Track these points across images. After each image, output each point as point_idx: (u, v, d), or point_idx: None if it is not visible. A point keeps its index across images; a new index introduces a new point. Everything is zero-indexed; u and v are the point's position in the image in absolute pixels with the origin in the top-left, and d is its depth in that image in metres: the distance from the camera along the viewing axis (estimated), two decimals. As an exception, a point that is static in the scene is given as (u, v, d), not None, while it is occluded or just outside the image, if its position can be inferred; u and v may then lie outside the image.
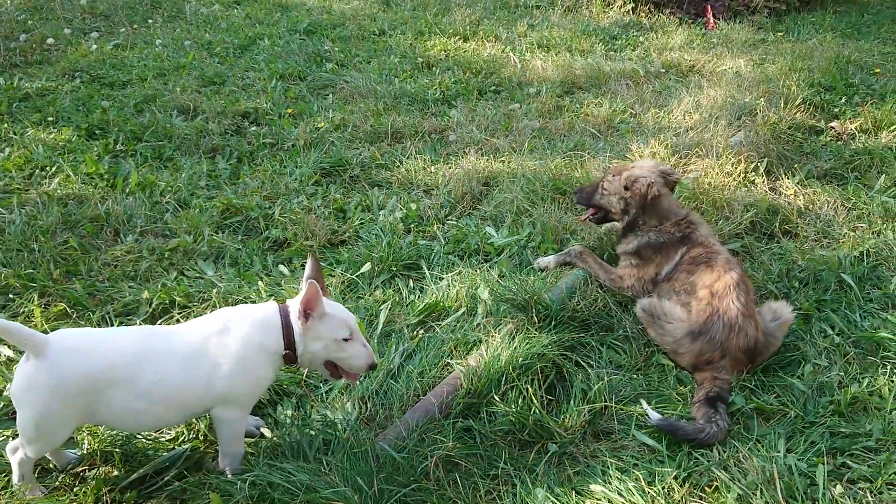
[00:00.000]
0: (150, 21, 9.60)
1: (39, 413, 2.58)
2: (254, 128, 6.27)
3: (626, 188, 4.07)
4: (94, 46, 8.24)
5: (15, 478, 2.79)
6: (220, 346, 2.71)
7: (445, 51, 8.57)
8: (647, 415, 3.18)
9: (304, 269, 4.11)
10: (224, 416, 2.79)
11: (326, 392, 3.37)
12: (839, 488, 2.80)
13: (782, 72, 7.34)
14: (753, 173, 5.24)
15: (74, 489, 2.85)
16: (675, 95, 6.95)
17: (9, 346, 3.52)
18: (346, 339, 2.83)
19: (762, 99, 6.37)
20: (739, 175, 5.18)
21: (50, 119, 6.20)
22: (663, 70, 7.91)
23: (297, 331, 2.78)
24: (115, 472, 2.91)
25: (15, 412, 2.90)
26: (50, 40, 8.34)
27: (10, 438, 2.97)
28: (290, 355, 2.81)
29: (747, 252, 4.46)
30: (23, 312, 3.82)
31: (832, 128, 6.17)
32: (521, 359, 3.34)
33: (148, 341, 2.72)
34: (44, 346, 2.54)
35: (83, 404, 2.59)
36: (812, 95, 6.61)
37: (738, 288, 3.57)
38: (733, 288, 3.56)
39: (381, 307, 3.87)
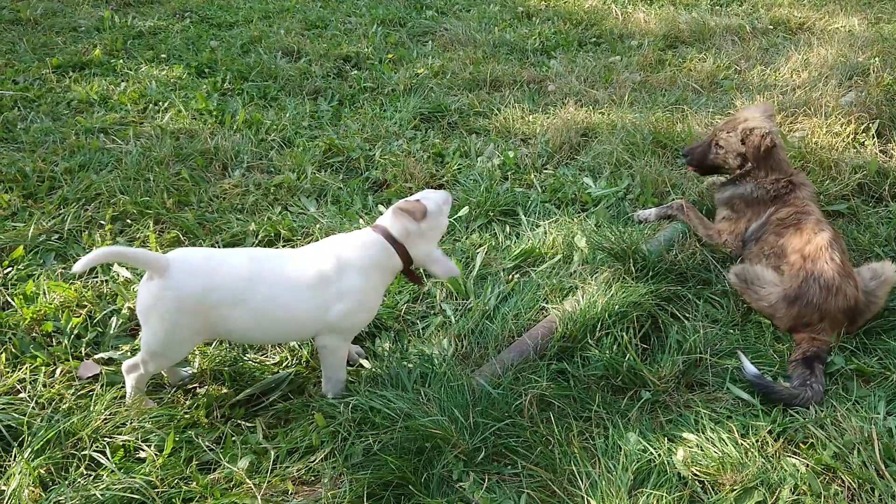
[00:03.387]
0: (254, -36, 9.74)
1: (165, 328, 2.73)
2: (355, 71, 6.37)
3: (741, 142, 3.98)
4: (203, -13, 8.44)
5: (129, 393, 2.97)
6: (341, 278, 2.84)
7: (545, 1, 8.47)
8: (743, 368, 3.17)
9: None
10: (330, 344, 2.92)
11: (423, 329, 3.47)
12: (940, 453, 2.76)
13: (900, 31, 7.01)
14: (864, 134, 5.06)
15: (187, 403, 3.03)
16: (783, 53, 6.72)
17: (128, 268, 3.72)
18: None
19: (876, 59, 6.10)
20: (848, 136, 5.02)
21: (162, 56, 6.44)
22: (771, 26, 7.64)
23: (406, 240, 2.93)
24: (224, 391, 3.08)
25: (134, 328, 3.11)
26: (161, -20, 8.58)
27: (128, 355, 3.18)
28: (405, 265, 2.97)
29: (853, 214, 4.33)
30: (139, 238, 4.03)
31: (951, 91, 5.88)
32: (616, 307, 3.36)
33: (264, 264, 2.83)
34: (166, 266, 2.69)
35: (203, 318, 2.74)
36: (930, 57, 6.30)
37: (830, 248, 3.48)
38: (825, 248, 3.48)
39: (478, 250, 3.94)
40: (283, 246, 3.97)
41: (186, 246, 3.95)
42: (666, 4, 8.43)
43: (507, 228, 4.21)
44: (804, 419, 2.92)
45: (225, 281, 2.75)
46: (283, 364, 3.26)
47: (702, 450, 2.79)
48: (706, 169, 4.21)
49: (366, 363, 3.25)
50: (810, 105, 5.40)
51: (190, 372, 3.18)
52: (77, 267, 2.59)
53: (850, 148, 4.93)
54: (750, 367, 3.16)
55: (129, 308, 3.47)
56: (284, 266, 2.85)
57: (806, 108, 5.38)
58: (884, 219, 4.27)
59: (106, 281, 3.68)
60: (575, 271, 3.75)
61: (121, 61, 6.35)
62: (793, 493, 2.62)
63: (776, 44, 7.10)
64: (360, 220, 4.18)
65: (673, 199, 4.32)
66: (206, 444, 2.82)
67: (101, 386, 3.06)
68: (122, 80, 5.98)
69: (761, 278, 3.56)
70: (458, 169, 4.81)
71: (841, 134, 5.02)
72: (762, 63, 6.55)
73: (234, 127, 5.20)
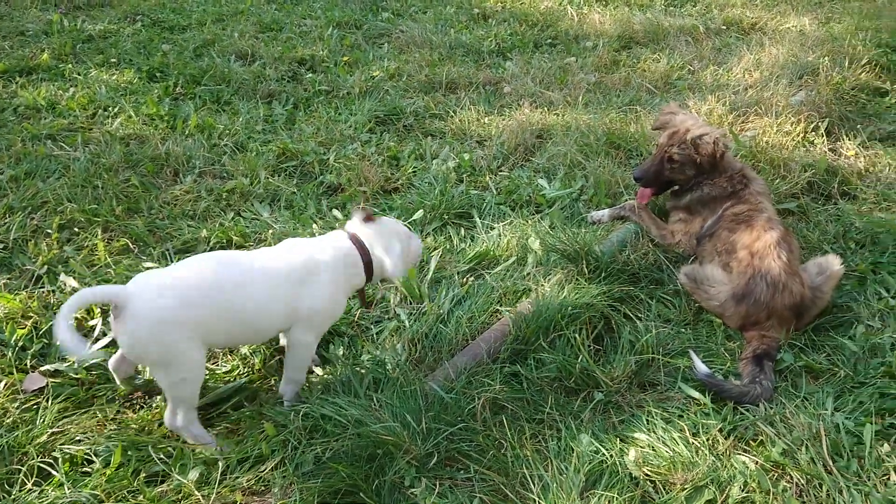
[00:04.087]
0: (208, -34, 9.63)
1: (168, 352, 2.66)
2: (310, 74, 6.32)
3: (695, 151, 3.97)
4: (155, -10, 8.33)
5: (196, 440, 2.82)
6: (309, 281, 2.90)
7: (501, 2, 8.49)
8: (694, 367, 3.19)
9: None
10: (302, 340, 2.94)
11: (377, 333, 3.45)
12: (886, 447, 2.80)
13: (848, 31, 7.11)
14: (813, 133, 5.14)
15: (138, 415, 2.98)
16: (736, 53, 6.79)
17: (73, 276, 3.65)
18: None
19: (826, 58, 6.20)
20: (798, 135, 5.09)
21: (112, 61, 6.33)
22: (724, 27, 7.72)
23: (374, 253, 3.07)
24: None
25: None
26: (112, -17, 8.45)
27: (74, 366, 3.11)
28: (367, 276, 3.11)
29: (803, 212, 4.39)
30: (87, 246, 3.95)
31: (898, 90, 5.99)
32: (570, 308, 3.37)
33: (226, 272, 2.79)
34: (129, 295, 2.61)
35: (190, 329, 2.68)
36: (879, 56, 6.40)
37: (778, 246, 3.53)
38: (774, 246, 3.53)
39: (433, 254, 3.92)
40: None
41: (136, 254, 3.91)
42: (621, 6, 8.49)
43: (462, 231, 4.20)
44: (754, 417, 2.95)
45: (198, 290, 2.71)
46: (235, 372, 3.22)
47: (653, 450, 2.80)
48: (662, 186, 4.20)
49: (318, 370, 3.22)
50: (761, 104, 5.47)
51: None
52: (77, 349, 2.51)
53: (800, 147, 5.00)
54: (701, 367, 3.18)
55: (75, 318, 3.39)
56: (253, 271, 2.84)
57: (757, 108, 5.44)
58: (832, 216, 4.34)
59: (52, 291, 3.61)
60: (529, 273, 3.75)
61: (69, 66, 6.22)
62: (742, 491, 2.64)
63: (729, 44, 7.18)
64: (314, 225, 4.14)
65: (626, 200, 4.34)
66: (156, 455, 2.78)
67: (47, 399, 3.00)
68: (71, 86, 5.87)
69: (711, 278, 3.59)
70: (414, 172, 4.79)
71: (791, 133, 5.09)
72: (715, 63, 6.62)
73: (186, 132, 5.13)
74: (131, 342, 2.65)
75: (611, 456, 2.77)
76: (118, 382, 3.06)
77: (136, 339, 2.63)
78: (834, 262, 3.59)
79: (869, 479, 2.68)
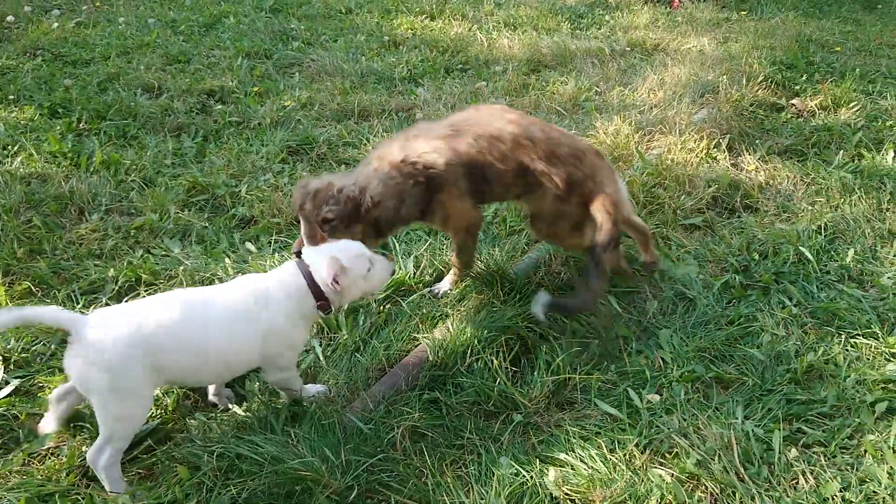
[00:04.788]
0: (112, -2, 9.45)
1: (114, 385, 2.62)
2: (220, 106, 6.23)
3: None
4: (56, 24, 8.12)
5: (109, 484, 2.74)
6: (259, 318, 2.87)
7: (412, 29, 8.56)
8: (538, 304, 3.33)
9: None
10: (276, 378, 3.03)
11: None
12: (794, 452, 2.90)
13: (745, 50, 7.42)
14: (716, 150, 5.32)
15: (45, 465, 2.86)
16: (640, 73, 7.00)
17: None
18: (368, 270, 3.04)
19: (725, 77, 6.44)
20: (702, 151, 5.26)
21: (11, 98, 6.11)
22: (628, 48, 7.97)
23: (328, 290, 2.95)
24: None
25: None
26: (10, 18, 8.20)
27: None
28: (325, 306, 2.98)
29: (709, 226, 4.54)
30: (-15, 291, 3.79)
31: (793, 105, 6.26)
32: (486, 332, 3.39)
33: (187, 307, 2.80)
34: (85, 323, 2.62)
35: (146, 364, 2.66)
36: (774, 73, 6.70)
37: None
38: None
39: (349, 283, 3.89)
40: (146, 291, 3.81)
41: (39, 297, 3.77)
42: (529, 30, 8.67)
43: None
44: (668, 430, 3.01)
45: (158, 323, 2.69)
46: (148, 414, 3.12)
47: (572, 468, 2.83)
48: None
49: (235, 407, 3.15)
50: (666, 123, 5.64)
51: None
52: None
53: (703, 163, 5.16)
54: (543, 298, 3.32)
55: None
56: (209, 309, 2.84)
57: (662, 126, 5.61)
58: (736, 229, 4.49)
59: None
60: (445, 300, 3.76)
61: (-34, 104, 6.00)
62: (659, 503, 2.69)
63: (633, 65, 7.40)
64: (227, 259, 4.07)
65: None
66: (64, 507, 2.67)
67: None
68: (-32, 124, 5.65)
69: None
70: (328, 201, 4.75)
71: (695, 150, 5.25)
72: (621, 84, 6.81)
73: (91, 169, 4.98)
74: (86, 369, 2.60)
75: (531, 477, 2.79)
76: (52, 422, 2.96)
77: (92, 365, 2.58)
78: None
79: (779, 485, 2.77)
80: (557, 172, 3.44)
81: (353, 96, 6.43)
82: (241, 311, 2.85)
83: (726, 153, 5.29)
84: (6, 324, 2.58)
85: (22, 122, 5.70)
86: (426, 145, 3.40)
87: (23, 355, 3.37)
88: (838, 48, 7.82)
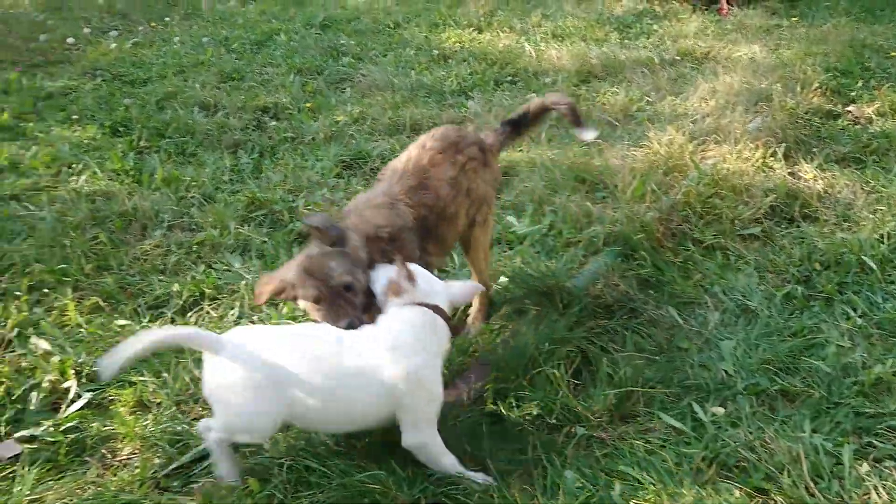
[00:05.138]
0: (167, 19, 9.72)
1: (239, 401, 2.66)
2: (274, 122, 6.36)
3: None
4: (114, 45, 8.39)
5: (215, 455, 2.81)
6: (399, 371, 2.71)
7: (460, 42, 8.63)
8: None
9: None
10: (415, 442, 2.80)
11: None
12: (865, 467, 2.84)
13: (798, 57, 7.33)
14: (772, 158, 5.26)
15: (119, 476, 2.93)
16: (691, 82, 6.97)
17: (45, 339, 3.60)
18: None
19: (778, 84, 6.38)
20: (758, 160, 5.20)
21: (74, 117, 6.32)
22: (678, 57, 7.93)
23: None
24: (156, 460, 2.98)
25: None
26: (70, 40, 8.49)
27: (51, 430, 3.06)
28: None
29: (767, 236, 4.49)
30: (57, 307, 3.90)
31: (849, 112, 6.17)
32: (546, 344, 3.40)
33: (317, 349, 2.73)
34: (224, 344, 2.64)
35: (275, 396, 2.64)
36: (828, 80, 6.61)
37: None
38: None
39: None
40: (210, 306, 3.90)
41: (108, 312, 3.87)
42: (577, 41, 8.67)
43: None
44: (734, 444, 2.98)
45: (290, 357, 2.67)
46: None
47: (639, 482, 2.82)
48: None
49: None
50: (720, 132, 5.60)
51: None
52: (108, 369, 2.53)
53: (759, 172, 5.11)
54: None
55: (49, 381, 3.35)
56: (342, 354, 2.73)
57: (716, 136, 5.57)
58: (796, 239, 4.43)
59: (24, 354, 3.55)
60: (503, 311, 3.78)
61: (31, 124, 6.20)
62: (729, 519, 2.66)
63: (684, 74, 7.36)
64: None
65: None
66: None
67: (24, 466, 2.94)
68: (33, 144, 5.83)
69: None
70: (383, 215, 4.81)
71: (750, 159, 5.20)
72: (672, 93, 6.77)
73: (153, 186, 5.12)
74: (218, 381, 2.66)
75: (597, 491, 2.78)
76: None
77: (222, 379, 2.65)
78: None
79: (851, 500, 2.72)
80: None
81: (404, 110, 6.50)
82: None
83: (783, 162, 5.23)
84: (147, 348, 2.58)
85: (84, 140, 5.88)
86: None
87: (94, 369, 3.45)
88: (894, 53, 7.68)
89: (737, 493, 2.75)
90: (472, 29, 9.12)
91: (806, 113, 5.96)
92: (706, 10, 10.09)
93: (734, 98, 6.30)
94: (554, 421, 3.15)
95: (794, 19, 9.55)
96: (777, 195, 4.75)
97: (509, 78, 7.50)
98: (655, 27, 9.37)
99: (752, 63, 7.35)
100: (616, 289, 3.94)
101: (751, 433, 3.02)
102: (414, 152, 3.53)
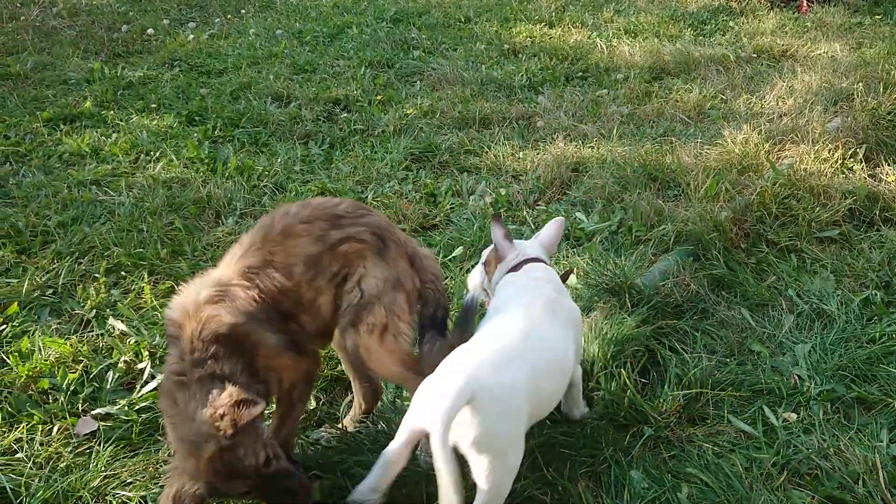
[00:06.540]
0: (242, 11, 9.90)
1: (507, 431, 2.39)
2: (345, 114, 6.42)
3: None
4: (191, 36, 8.57)
5: None
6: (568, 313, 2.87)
7: (531, 37, 8.58)
8: None
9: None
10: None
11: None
12: (945, 479, 2.75)
13: (881, 56, 7.09)
14: (851, 160, 5.11)
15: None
16: (768, 81, 6.80)
17: (121, 320, 3.71)
18: None
19: (860, 84, 6.17)
20: (837, 161, 5.05)
21: (153, 106, 6.49)
22: (755, 55, 7.73)
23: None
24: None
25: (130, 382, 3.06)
26: (150, 31, 8.71)
27: (125, 409, 3.13)
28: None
29: (846, 240, 4.35)
30: (133, 290, 4.01)
31: (935, 113, 5.94)
32: (613, 342, 3.36)
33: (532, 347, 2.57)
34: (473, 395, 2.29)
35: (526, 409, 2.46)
36: (914, 80, 6.38)
37: None
38: None
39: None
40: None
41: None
42: (650, 37, 8.54)
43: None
44: (807, 450, 2.90)
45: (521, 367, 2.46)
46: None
47: (707, 486, 2.77)
48: None
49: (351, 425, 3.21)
50: (797, 132, 5.45)
51: None
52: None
53: (838, 173, 4.96)
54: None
55: (125, 362, 3.45)
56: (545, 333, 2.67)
57: (793, 135, 5.42)
58: (876, 243, 4.29)
59: (101, 335, 3.67)
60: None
61: (111, 112, 6.39)
62: (800, 527, 2.60)
63: (760, 72, 7.18)
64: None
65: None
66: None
67: (99, 442, 3.03)
68: (114, 131, 6.02)
69: None
70: (451, 208, 4.83)
71: (829, 160, 5.05)
72: (748, 91, 6.63)
73: (226, 174, 5.22)
74: (483, 434, 2.29)
75: (663, 492, 2.75)
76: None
77: (486, 430, 2.29)
78: None
79: (930, 513, 2.64)
80: None
81: (473, 104, 6.50)
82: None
83: (863, 163, 5.07)
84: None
85: (162, 129, 6.03)
86: None
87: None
88: (984, 53, 7.37)
89: (809, 500, 2.69)
90: (542, 24, 9.06)
91: (888, 113, 5.75)
92: (785, 7, 9.83)
93: (813, 97, 6.13)
94: (622, 420, 3.11)
95: (877, 17, 9.24)
96: (856, 198, 4.60)
97: (580, 74, 7.42)
98: (731, 24, 9.16)
99: (832, 62, 7.13)
100: (686, 288, 3.88)
101: (824, 440, 2.95)
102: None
